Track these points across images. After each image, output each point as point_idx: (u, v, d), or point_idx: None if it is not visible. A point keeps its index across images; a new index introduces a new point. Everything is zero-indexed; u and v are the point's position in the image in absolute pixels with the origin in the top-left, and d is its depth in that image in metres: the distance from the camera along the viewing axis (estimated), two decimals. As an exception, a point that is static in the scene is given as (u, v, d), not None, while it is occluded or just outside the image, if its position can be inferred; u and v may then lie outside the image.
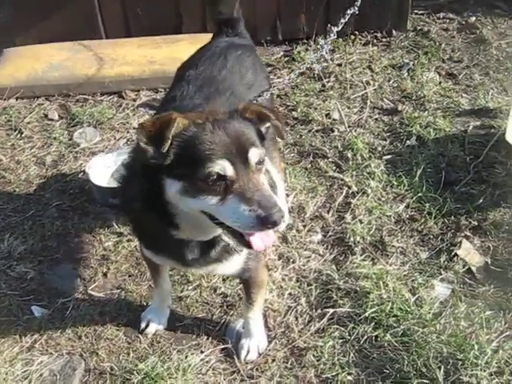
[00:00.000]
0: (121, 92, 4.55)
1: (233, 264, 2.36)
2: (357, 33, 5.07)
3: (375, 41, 5.01)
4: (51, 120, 4.33)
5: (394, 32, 5.05)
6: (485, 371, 2.48)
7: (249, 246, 1.95)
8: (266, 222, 1.82)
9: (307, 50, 4.93)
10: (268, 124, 2.11)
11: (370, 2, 4.94)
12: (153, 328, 2.82)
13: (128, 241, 3.22)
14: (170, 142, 1.87)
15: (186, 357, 2.69)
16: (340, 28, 3.31)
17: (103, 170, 3.61)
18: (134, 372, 2.59)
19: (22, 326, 2.82)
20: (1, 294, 2.96)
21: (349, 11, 3.33)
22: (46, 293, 2.99)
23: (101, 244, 3.24)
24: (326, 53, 3.18)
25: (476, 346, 2.56)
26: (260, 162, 1.96)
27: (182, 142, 1.90)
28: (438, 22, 5.20)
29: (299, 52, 4.89)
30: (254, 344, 2.73)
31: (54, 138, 4.12)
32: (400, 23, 5.07)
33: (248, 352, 2.72)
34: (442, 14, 5.27)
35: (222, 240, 2.19)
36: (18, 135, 4.18)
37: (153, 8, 4.91)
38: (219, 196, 1.88)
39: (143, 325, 2.83)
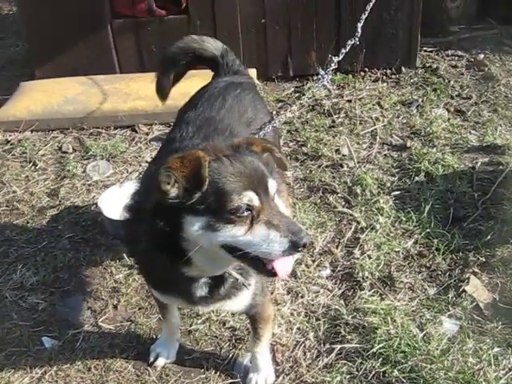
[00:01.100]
0: (134, 126, 4.65)
1: (240, 300, 2.38)
2: (366, 69, 5.18)
3: (385, 77, 5.11)
4: (65, 153, 4.42)
5: (403, 69, 5.15)
6: (493, 410, 2.47)
7: (272, 273, 1.99)
8: (297, 245, 1.90)
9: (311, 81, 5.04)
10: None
11: (380, 40, 5.08)
12: (162, 361, 2.83)
13: (139, 273, 3.25)
14: (208, 181, 1.91)
15: (196, 391, 2.70)
16: (341, 58, 3.40)
17: (115, 203, 3.65)
18: (143, 405, 2.60)
19: (33, 356, 2.85)
20: (12, 325, 2.99)
21: (349, 41, 3.42)
22: (57, 324, 3.02)
23: (112, 276, 3.28)
24: (328, 82, 3.21)
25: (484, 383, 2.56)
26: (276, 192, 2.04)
27: None
28: (446, 59, 5.30)
29: (309, 88, 4.98)
30: (262, 379, 2.73)
31: (68, 171, 4.20)
32: (409, 60, 5.17)
33: None
34: (450, 52, 5.37)
35: (231, 276, 2.23)
36: (33, 167, 4.27)
37: (167, 44, 5.03)
38: (246, 226, 1.93)
39: (152, 358, 2.84)
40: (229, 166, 1.97)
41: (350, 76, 5.12)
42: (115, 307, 3.11)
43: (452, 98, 4.77)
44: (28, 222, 3.73)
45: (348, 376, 2.73)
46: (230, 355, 2.88)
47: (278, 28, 5.05)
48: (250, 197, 1.93)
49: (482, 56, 5.27)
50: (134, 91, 4.74)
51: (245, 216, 1.93)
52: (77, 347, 2.90)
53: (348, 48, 3.44)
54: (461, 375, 2.61)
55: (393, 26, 5.03)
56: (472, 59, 5.25)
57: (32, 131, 4.65)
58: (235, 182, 1.94)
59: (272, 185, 2.01)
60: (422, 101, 4.69)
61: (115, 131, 4.64)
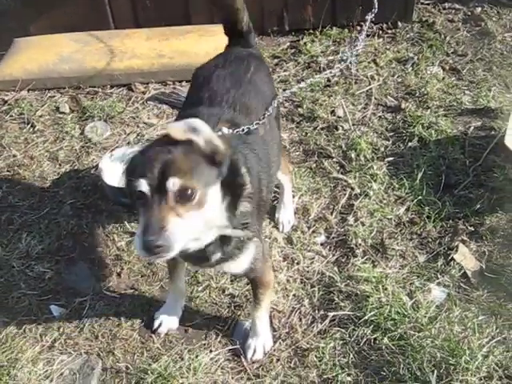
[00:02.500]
0: (130, 84, 4.65)
1: (241, 261, 2.51)
2: (363, 24, 5.12)
3: (381, 32, 5.07)
4: (62, 113, 4.45)
5: (399, 23, 5.10)
6: (475, 376, 2.64)
7: None
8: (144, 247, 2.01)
9: (313, 41, 5.00)
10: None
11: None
12: (165, 328, 2.99)
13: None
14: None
15: (197, 356, 2.85)
16: (364, 35, 3.40)
17: (114, 169, 3.74)
18: (148, 372, 2.77)
19: (42, 325, 2.99)
20: (21, 294, 3.13)
21: (367, 17, 3.42)
22: (64, 292, 3.16)
23: (114, 243, 3.39)
24: (352, 64, 3.25)
25: (467, 352, 2.72)
26: (184, 191, 2.03)
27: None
28: (443, 13, 5.25)
29: (305, 43, 4.97)
30: (260, 344, 2.90)
31: (66, 133, 4.24)
32: (406, 14, 5.12)
33: (254, 352, 2.89)
34: (447, 4, 5.32)
35: (228, 240, 2.36)
36: (31, 129, 4.30)
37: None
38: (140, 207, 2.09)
39: (156, 324, 3.00)
40: (140, 156, 2.13)
41: (346, 31, 5.08)
42: (118, 275, 3.24)
43: (447, 55, 4.77)
44: (29, 188, 3.81)
45: (341, 342, 2.90)
46: (230, 321, 3.03)
47: (274, -18, 4.98)
48: (142, 184, 2.02)
49: (479, 9, 5.21)
50: (130, 49, 4.71)
51: (140, 200, 2.07)
52: (84, 315, 3.05)
53: (368, 23, 3.43)
54: (446, 343, 2.78)
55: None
56: (469, 13, 5.20)
57: (29, 90, 4.64)
58: (138, 169, 2.07)
59: (172, 182, 2.01)
60: (418, 58, 4.69)
61: (111, 90, 4.64)
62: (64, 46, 4.78)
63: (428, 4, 5.34)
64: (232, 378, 2.82)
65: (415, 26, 5.09)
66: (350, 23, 5.11)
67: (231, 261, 2.47)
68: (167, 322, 3.00)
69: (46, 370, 2.78)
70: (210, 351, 2.91)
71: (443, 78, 4.50)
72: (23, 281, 3.20)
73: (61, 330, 2.98)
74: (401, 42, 4.95)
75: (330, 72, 3.36)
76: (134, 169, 2.11)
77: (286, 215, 3.47)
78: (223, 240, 2.35)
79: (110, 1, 4.95)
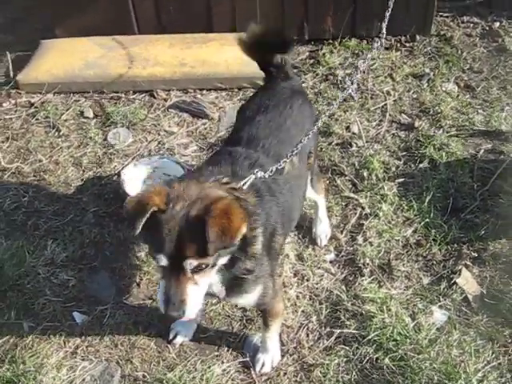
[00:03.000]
0: (152, 91, 4.81)
1: (247, 299, 2.71)
2: (364, 52, 5.21)
3: (399, 45, 5.17)
4: (87, 118, 4.63)
5: (417, 37, 5.19)
6: (469, 400, 2.83)
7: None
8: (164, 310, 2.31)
9: (332, 52, 5.12)
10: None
11: (396, 6, 5.05)
12: (180, 339, 3.18)
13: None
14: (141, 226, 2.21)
15: (209, 367, 3.05)
16: (366, 64, 3.51)
17: (136, 179, 3.91)
18: (164, 381, 2.97)
19: (65, 331, 3.20)
20: (46, 300, 3.33)
21: (375, 44, 3.53)
22: (86, 300, 3.36)
23: (134, 254, 3.58)
24: (353, 91, 3.36)
25: (463, 376, 2.88)
26: (199, 269, 2.24)
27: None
28: (461, 27, 5.33)
29: (324, 54, 5.08)
30: (269, 359, 3.09)
31: (90, 138, 4.42)
32: (424, 27, 5.20)
33: (263, 365, 3.07)
34: (466, 18, 5.39)
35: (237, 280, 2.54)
36: (56, 133, 4.49)
37: (184, 6, 5.09)
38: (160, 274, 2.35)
39: (171, 335, 3.19)
40: (164, 224, 2.19)
41: (365, 42, 5.18)
42: (138, 285, 3.43)
43: (463, 71, 4.86)
44: (54, 193, 4.00)
45: (345, 359, 3.08)
46: (241, 334, 3.22)
47: (295, -7, 5.08)
48: (161, 259, 2.22)
49: (497, 24, 5.28)
50: (153, 56, 4.86)
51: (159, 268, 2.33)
52: (104, 323, 3.25)
53: (373, 52, 3.52)
54: (444, 366, 2.95)
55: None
56: (487, 27, 5.28)
57: (54, 94, 4.82)
58: (159, 240, 2.20)
59: (188, 263, 2.20)
60: (434, 74, 4.80)
61: (134, 96, 4.81)
62: (89, 50, 4.93)
63: (447, 17, 5.41)
64: (242, 389, 3.02)
65: (433, 39, 5.18)
66: (369, 35, 5.20)
67: (239, 296, 2.67)
68: (182, 334, 3.19)
69: (69, 376, 2.99)
70: (222, 362, 3.10)
71: (457, 96, 4.61)
72: (48, 287, 3.40)
73: (83, 337, 3.18)
74: (418, 56, 5.04)
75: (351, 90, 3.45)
76: (156, 232, 2.21)
77: (323, 230, 3.64)
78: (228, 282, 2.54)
79: (135, 5, 5.09)
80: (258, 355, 3.11)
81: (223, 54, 4.77)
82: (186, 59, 4.82)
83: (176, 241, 2.18)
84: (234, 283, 2.55)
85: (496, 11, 5.42)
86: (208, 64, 4.78)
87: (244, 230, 2.25)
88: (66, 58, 4.89)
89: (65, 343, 3.15)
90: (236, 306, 3.32)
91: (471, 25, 5.34)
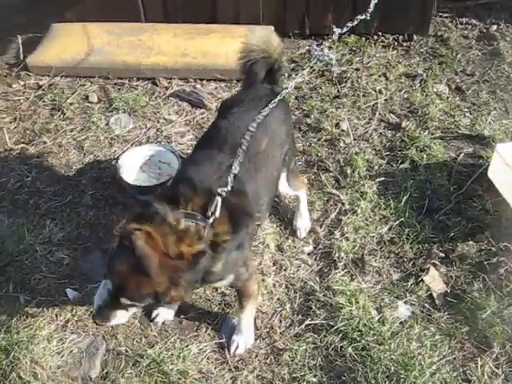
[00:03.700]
0: (154, 79, 5.02)
1: (220, 284, 3.10)
2: (380, 33, 5.37)
3: (396, 44, 5.30)
4: (91, 102, 4.85)
5: (414, 36, 5.33)
6: (420, 390, 3.07)
7: None
8: None
9: (331, 48, 5.26)
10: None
11: (396, 4, 5.19)
12: (161, 318, 3.45)
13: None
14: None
15: (187, 346, 3.31)
16: (344, 31, 3.65)
17: (133, 166, 4.16)
18: (144, 357, 3.24)
19: (58, 306, 3.46)
20: (41, 276, 3.59)
21: (359, 16, 3.65)
22: (79, 278, 3.62)
23: (126, 237, 3.83)
24: (327, 57, 3.47)
25: (418, 367, 3.13)
26: (132, 305, 2.62)
27: None
28: (459, 28, 5.44)
29: (322, 50, 5.21)
30: (243, 341, 3.34)
31: (93, 122, 4.65)
32: (422, 27, 5.31)
33: (237, 347, 3.33)
34: (464, 19, 5.48)
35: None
36: (61, 116, 4.72)
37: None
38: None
39: (153, 314, 3.45)
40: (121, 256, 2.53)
41: (364, 39, 5.33)
42: (127, 266, 3.69)
43: (456, 73, 5.00)
44: (56, 175, 4.24)
45: (312, 346, 3.32)
46: (219, 317, 3.47)
47: (297, -13, 5.23)
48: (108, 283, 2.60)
49: (494, 27, 5.39)
50: (157, 45, 5.05)
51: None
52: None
53: (355, 23, 3.65)
54: (402, 357, 3.18)
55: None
56: (484, 30, 5.39)
57: (61, 77, 5.05)
58: (110, 267, 2.59)
59: (124, 300, 2.57)
60: (427, 75, 4.94)
61: (137, 83, 5.02)
62: (97, 36, 5.14)
63: (446, 17, 5.53)
64: (215, 368, 3.27)
65: (430, 40, 5.31)
66: (369, 33, 5.35)
67: (212, 282, 3.00)
68: (163, 314, 3.46)
69: (59, 348, 3.27)
70: (200, 342, 3.36)
71: (447, 98, 4.77)
72: (44, 264, 3.66)
73: (73, 311, 3.45)
74: (414, 56, 5.18)
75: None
76: (112, 261, 2.60)
77: (303, 223, 3.86)
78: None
79: (142, -6, 5.29)
80: (233, 337, 3.36)
81: (224, 47, 4.95)
82: (188, 49, 5.01)
83: (116, 281, 2.56)
84: (207, 274, 2.77)
85: (495, 13, 5.52)
86: (209, 55, 4.97)
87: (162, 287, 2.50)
88: (74, 42, 5.10)
89: (56, 317, 3.42)
90: (216, 289, 3.58)
91: (469, 26, 5.45)
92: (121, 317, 2.70)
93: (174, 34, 5.17)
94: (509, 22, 5.44)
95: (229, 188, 2.70)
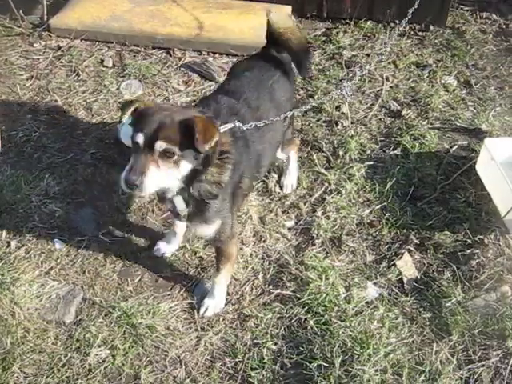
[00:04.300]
0: (170, 49, 5.17)
1: (207, 229, 3.16)
2: (397, 21, 5.36)
3: (412, 32, 5.31)
4: (105, 67, 5.04)
5: (431, 27, 5.32)
6: (372, 367, 3.15)
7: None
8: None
9: (346, 32, 5.33)
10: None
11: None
12: (162, 250, 3.70)
13: (139, 197, 3.98)
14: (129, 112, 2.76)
15: (159, 303, 3.48)
16: (353, 82, 4.00)
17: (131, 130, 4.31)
18: (116, 308, 3.42)
19: (45, 253, 3.67)
20: (33, 225, 3.80)
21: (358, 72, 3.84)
22: (68, 230, 3.82)
23: (117, 196, 4.01)
24: (347, 94, 3.74)
25: (374, 346, 3.23)
26: (166, 152, 2.65)
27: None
28: (478, 22, 5.42)
29: (338, 33, 5.30)
30: (213, 304, 3.49)
31: (104, 86, 4.84)
32: (440, 18, 5.33)
33: (206, 309, 3.49)
34: (485, 14, 5.45)
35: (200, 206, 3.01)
36: (76, 77, 4.93)
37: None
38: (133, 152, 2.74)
39: (156, 247, 3.71)
40: (150, 115, 2.69)
41: (380, 26, 5.35)
42: (114, 223, 3.88)
43: (467, 66, 5.00)
44: (62, 133, 4.45)
45: (278, 316, 3.43)
46: (194, 279, 3.62)
47: (317, -30, 5.27)
48: (139, 136, 2.66)
49: (514, 24, 5.34)
50: (174, 17, 5.20)
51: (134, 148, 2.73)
52: (79, 252, 3.71)
53: (358, 76, 3.91)
54: (360, 335, 3.28)
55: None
56: (504, 26, 5.34)
57: (81, 40, 5.25)
58: (142, 123, 2.69)
59: (159, 144, 2.63)
60: (437, 66, 4.95)
61: (152, 51, 5.19)
62: (118, 3, 5.32)
63: (467, 10, 5.49)
64: (182, 326, 3.42)
65: (446, 31, 5.30)
66: (386, 19, 5.36)
67: (199, 224, 3.14)
68: (164, 248, 3.70)
69: (39, 291, 3.48)
70: (172, 301, 3.51)
71: (454, 90, 4.77)
72: (37, 215, 3.87)
73: (58, 260, 3.65)
74: (427, 45, 5.19)
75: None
76: (139, 120, 2.71)
77: (290, 180, 4.08)
78: (187, 202, 3.01)
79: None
80: (204, 300, 3.52)
81: (239, 23, 5.07)
82: (204, 23, 5.14)
83: (155, 126, 2.64)
84: (198, 209, 3.00)
85: (519, 10, 5.47)
86: (223, 30, 5.09)
87: (216, 138, 2.72)
88: (96, 7, 5.30)
89: (42, 264, 3.62)
90: (195, 253, 3.73)
91: (489, 21, 5.41)
92: (153, 174, 2.67)
93: (192, 7, 5.30)
94: (531, 20, 5.37)
95: (245, 128, 3.07)
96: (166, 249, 3.72)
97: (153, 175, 2.66)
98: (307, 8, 5.47)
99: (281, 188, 4.06)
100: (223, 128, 2.97)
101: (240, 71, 3.51)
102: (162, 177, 2.71)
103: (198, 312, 3.49)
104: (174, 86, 4.88)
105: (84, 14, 5.25)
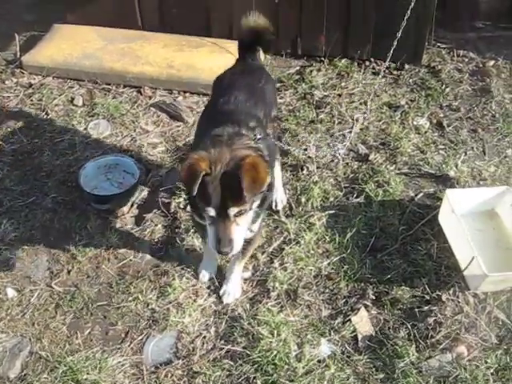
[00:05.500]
0: (140, 87, 5.14)
1: (254, 227, 3.29)
2: (372, 59, 5.31)
3: (386, 72, 5.23)
4: (75, 105, 5.02)
5: (406, 65, 5.25)
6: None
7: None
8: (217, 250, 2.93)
9: (319, 70, 5.27)
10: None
11: (388, 33, 5.11)
12: (206, 276, 3.77)
13: (94, 246, 3.93)
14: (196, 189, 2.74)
15: (107, 358, 3.41)
16: (347, 143, 4.26)
17: (94, 175, 4.28)
18: (62, 364, 3.36)
19: (-5, 303, 3.65)
20: (-15, 273, 3.79)
21: (354, 128, 4.16)
22: (21, 279, 3.76)
23: (74, 243, 3.96)
24: (339, 154, 3.85)
25: (320, 409, 3.14)
26: (239, 213, 2.81)
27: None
28: (454, 61, 5.34)
29: (311, 72, 5.25)
30: (233, 291, 3.66)
31: (72, 125, 4.81)
32: (415, 58, 5.24)
33: (228, 295, 3.66)
34: (462, 52, 5.37)
35: None
36: (44, 116, 4.90)
37: (185, 8, 5.36)
38: (209, 221, 2.90)
39: (200, 275, 3.77)
40: (210, 184, 2.74)
41: (355, 64, 5.29)
42: (68, 272, 3.81)
43: (441, 107, 4.92)
44: (25, 175, 4.42)
45: (226, 373, 3.34)
46: (145, 333, 3.51)
47: (290, 9, 5.22)
48: (210, 210, 2.80)
49: (492, 63, 5.25)
50: (145, 55, 5.18)
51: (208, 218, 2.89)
52: (31, 302, 3.65)
53: (352, 134, 3.92)
54: (307, 397, 3.20)
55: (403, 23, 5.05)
56: (481, 65, 5.26)
57: (53, 77, 5.23)
58: (207, 196, 2.76)
59: (232, 211, 2.77)
60: (409, 107, 4.87)
61: (123, 89, 5.16)
62: (91, 40, 5.31)
63: (444, 48, 5.42)
64: (129, 382, 3.34)
65: (422, 70, 5.23)
66: (361, 57, 5.30)
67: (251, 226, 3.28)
68: (207, 271, 3.78)
69: (-15, 344, 3.44)
70: (121, 355, 3.44)
71: (425, 132, 4.69)
72: (-9, 262, 3.85)
73: (8, 311, 3.59)
74: (401, 85, 5.12)
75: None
76: (202, 192, 2.75)
77: (279, 196, 4.12)
78: None
79: (140, 3, 5.40)
80: (223, 287, 3.69)
81: (210, 61, 5.02)
82: (174, 62, 5.11)
83: (220, 195, 2.74)
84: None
85: (496, 48, 5.37)
86: (193, 69, 5.05)
87: (269, 179, 2.88)
88: (68, 45, 5.29)
89: (-9, 314, 3.60)
90: (147, 305, 3.66)
91: (466, 59, 5.33)
92: (239, 235, 2.88)
93: (164, 45, 5.27)
94: (508, 59, 5.29)
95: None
96: (210, 271, 3.79)
97: (238, 236, 2.89)
98: (281, 44, 5.42)
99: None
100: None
101: (230, 80, 3.64)
102: (243, 231, 2.94)
103: (221, 298, 3.67)
104: (142, 127, 4.84)
105: (56, 52, 5.24)
